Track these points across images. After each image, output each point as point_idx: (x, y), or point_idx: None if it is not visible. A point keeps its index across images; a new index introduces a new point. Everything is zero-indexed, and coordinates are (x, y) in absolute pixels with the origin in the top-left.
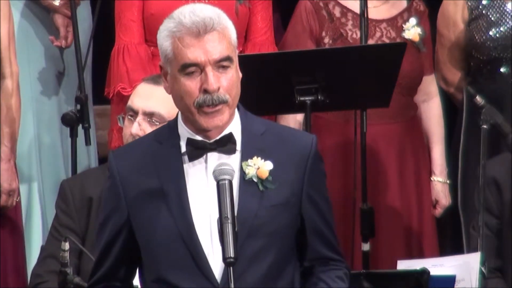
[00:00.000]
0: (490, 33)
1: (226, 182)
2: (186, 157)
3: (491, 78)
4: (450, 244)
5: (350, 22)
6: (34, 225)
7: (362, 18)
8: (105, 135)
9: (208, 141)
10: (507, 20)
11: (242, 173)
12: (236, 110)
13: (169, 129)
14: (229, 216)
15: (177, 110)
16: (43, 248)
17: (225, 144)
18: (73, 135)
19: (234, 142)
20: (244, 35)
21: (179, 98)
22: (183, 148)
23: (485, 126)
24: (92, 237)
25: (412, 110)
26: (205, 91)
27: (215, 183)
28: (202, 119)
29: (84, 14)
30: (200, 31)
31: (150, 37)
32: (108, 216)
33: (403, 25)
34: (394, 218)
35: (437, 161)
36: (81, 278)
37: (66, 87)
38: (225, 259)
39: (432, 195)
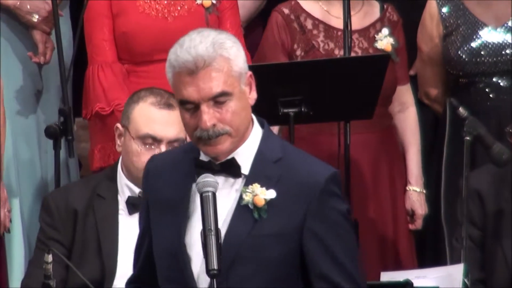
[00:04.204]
0: (464, 48)
1: (210, 194)
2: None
3: (467, 93)
4: (432, 256)
5: (322, 34)
6: (15, 240)
7: (346, 30)
8: (87, 148)
9: (215, 162)
10: (479, 35)
11: (240, 198)
12: (260, 130)
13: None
14: (212, 228)
15: None
16: (30, 262)
17: (230, 168)
18: (57, 147)
19: (238, 166)
20: None
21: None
22: None
23: (468, 138)
24: (78, 249)
25: (388, 120)
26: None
27: (218, 204)
28: (204, 148)
29: (64, 29)
30: (193, 69)
31: (123, 55)
32: (140, 217)
33: (376, 36)
34: (370, 229)
35: (413, 171)
36: None
37: (45, 104)
38: (208, 271)
39: (407, 204)
